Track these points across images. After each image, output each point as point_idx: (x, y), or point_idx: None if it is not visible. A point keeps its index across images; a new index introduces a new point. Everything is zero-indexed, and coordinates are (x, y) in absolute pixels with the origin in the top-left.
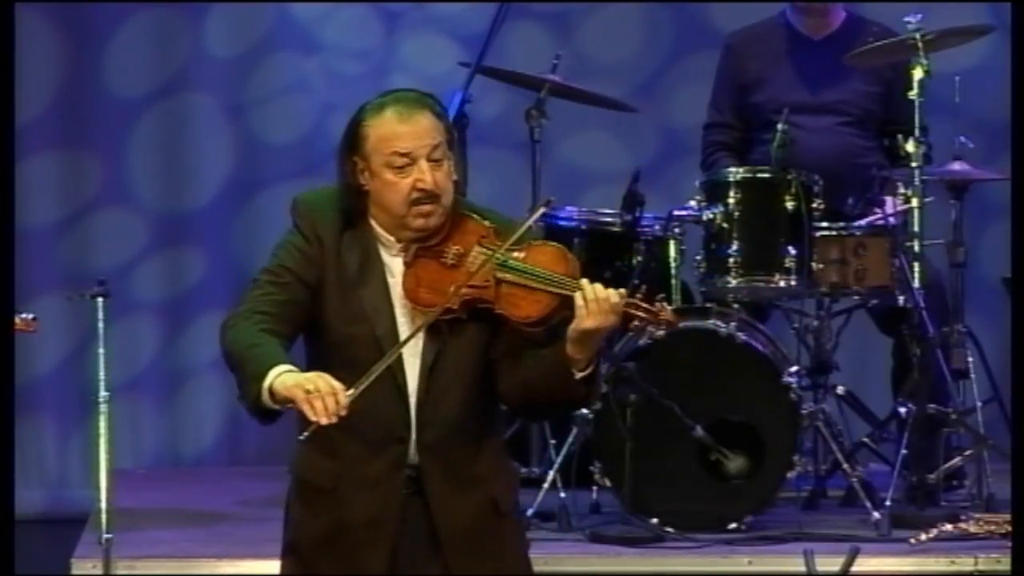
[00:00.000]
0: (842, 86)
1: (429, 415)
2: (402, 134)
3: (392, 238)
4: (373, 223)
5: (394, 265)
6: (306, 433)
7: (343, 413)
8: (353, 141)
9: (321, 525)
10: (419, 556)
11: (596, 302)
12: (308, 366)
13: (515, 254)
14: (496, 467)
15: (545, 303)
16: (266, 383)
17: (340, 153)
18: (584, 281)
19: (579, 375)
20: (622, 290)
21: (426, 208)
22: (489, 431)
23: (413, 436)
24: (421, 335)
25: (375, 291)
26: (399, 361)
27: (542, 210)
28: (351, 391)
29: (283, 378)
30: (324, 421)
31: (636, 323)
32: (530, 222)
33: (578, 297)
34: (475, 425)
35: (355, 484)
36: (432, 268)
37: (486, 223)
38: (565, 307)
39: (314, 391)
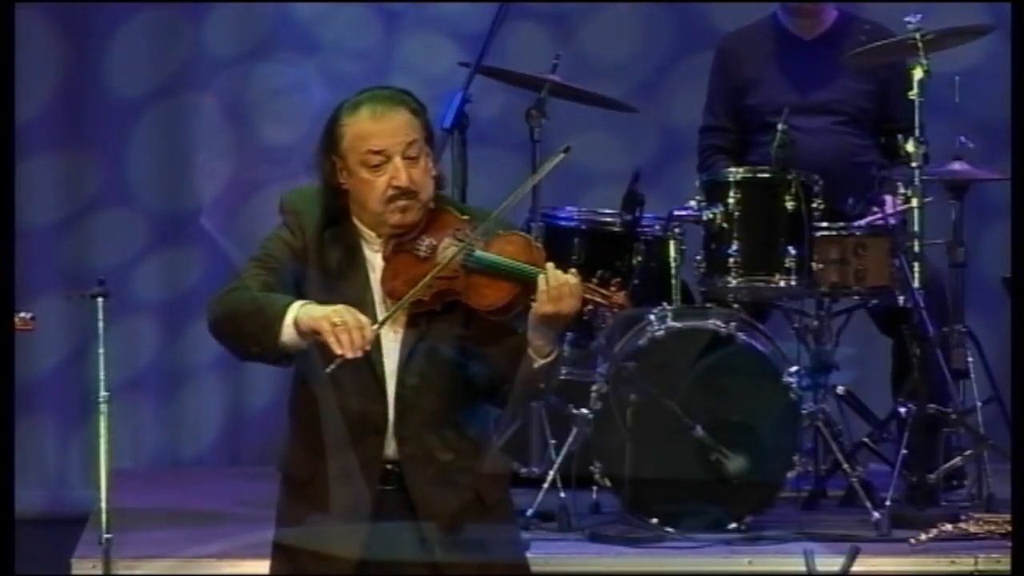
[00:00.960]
0: (835, 85)
1: (407, 407)
2: (376, 132)
3: (374, 234)
4: (355, 220)
5: (376, 261)
6: (332, 367)
7: (368, 348)
8: (330, 140)
9: (301, 519)
10: (405, 551)
11: (557, 288)
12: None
13: (482, 245)
14: (480, 459)
15: (507, 291)
16: (289, 317)
17: (319, 153)
18: (549, 265)
19: (540, 362)
20: (574, 270)
21: (402, 204)
22: (472, 423)
23: (391, 427)
24: (401, 331)
25: (357, 285)
26: (378, 353)
27: (561, 155)
28: (375, 326)
29: (307, 308)
30: (350, 355)
31: (590, 307)
32: (546, 171)
33: (540, 282)
34: (456, 417)
35: (331, 476)
36: (407, 261)
37: (463, 216)
38: (528, 294)
39: (341, 324)
